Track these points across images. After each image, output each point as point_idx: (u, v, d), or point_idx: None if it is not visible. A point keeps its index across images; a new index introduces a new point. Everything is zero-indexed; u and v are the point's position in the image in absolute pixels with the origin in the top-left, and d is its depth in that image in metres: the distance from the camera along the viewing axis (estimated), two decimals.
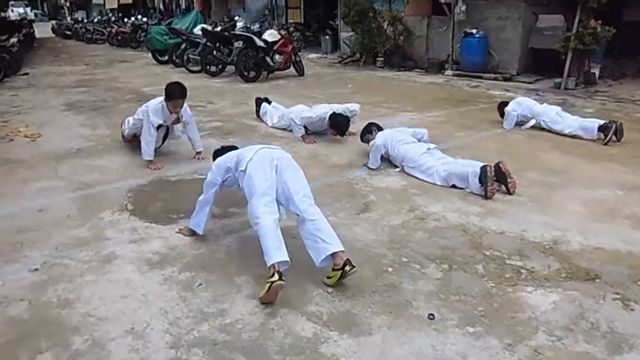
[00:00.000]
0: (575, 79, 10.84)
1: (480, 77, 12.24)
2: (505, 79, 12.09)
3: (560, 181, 4.82)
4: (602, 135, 6.14)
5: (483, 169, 4.35)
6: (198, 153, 5.47)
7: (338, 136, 6.04)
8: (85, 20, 25.63)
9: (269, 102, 7.19)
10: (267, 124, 6.92)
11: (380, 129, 5.46)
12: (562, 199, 4.41)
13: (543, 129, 6.55)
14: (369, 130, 5.45)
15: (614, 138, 6.09)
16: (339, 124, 5.89)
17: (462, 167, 4.59)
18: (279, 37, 11.22)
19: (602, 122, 6.24)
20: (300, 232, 3.17)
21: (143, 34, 17.64)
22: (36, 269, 3.24)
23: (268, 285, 2.77)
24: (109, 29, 20.73)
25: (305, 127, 6.20)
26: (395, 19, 13.74)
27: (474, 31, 12.47)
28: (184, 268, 3.25)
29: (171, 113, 5.11)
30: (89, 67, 14.11)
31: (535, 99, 8.15)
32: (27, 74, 12.57)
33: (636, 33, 11.94)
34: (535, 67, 12.59)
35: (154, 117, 5.03)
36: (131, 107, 8.14)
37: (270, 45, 10.98)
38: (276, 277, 2.77)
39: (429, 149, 4.93)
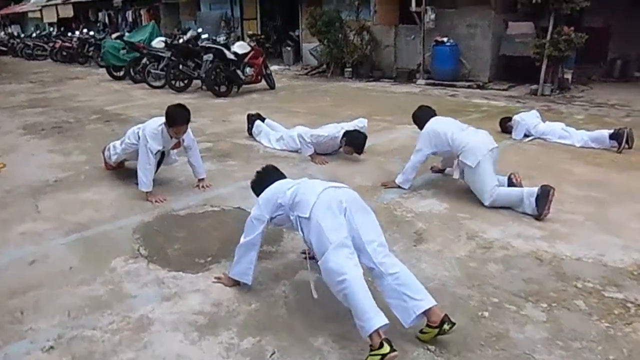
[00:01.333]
0: (551, 85, 10.87)
1: (454, 86, 12.10)
2: (479, 87, 12.00)
3: (605, 196, 4.51)
4: (615, 144, 5.96)
5: (544, 189, 3.97)
6: (200, 180, 4.82)
7: (355, 154, 5.55)
8: (22, 35, 23.89)
9: (262, 119, 6.60)
10: (262, 144, 6.32)
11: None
12: (618, 216, 4.08)
13: None
14: (421, 117, 4.71)
15: (626, 146, 5.93)
16: (356, 141, 5.42)
17: (512, 191, 4.20)
18: (249, 48, 10.63)
19: (610, 131, 6.08)
20: (379, 289, 2.61)
21: (91, 48, 16.51)
22: (51, 347, 2.53)
23: (378, 358, 2.21)
24: (51, 44, 19.29)
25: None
26: (362, 28, 13.46)
27: (445, 39, 12.35)
28: (243, 331, 2.63)
29: (171, 138, 4.45)
30: (36, 85, 12.92)
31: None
32: None
33: (596, 38, 12.17)
34: (506, 74, 12.60)
35: (153, 143, 4.36)
36: (100, 129, 7.37)
37: (240, 57, 10.37)
38: (387, 347, 2.22)
39: (491, 150, 4.32)
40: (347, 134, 5.47)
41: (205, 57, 10.07)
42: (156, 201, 4.41)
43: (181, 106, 4.40)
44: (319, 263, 2.58)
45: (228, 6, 18.55)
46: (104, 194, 4.64)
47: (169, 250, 3.54)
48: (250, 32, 15.38)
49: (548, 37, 10.41)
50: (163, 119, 4.45)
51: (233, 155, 5.87)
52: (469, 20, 12.46)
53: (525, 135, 6.52)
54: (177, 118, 4.30)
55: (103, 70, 14.38)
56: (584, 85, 11.86)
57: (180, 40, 11.66)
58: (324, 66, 14.24)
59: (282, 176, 3.19)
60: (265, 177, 3.18)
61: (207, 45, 10.21)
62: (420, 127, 4.70)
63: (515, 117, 6.61)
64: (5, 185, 4.95)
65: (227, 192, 4.66)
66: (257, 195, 3.18)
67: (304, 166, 5.41)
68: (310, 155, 5.58)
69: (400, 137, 6.68)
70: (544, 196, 3.95)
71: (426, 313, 2.50)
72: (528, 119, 6.59)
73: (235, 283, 3.05)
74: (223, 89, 10.29)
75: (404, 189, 4.65)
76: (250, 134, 6.61)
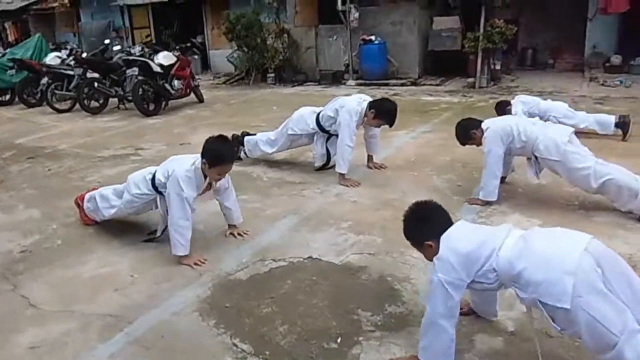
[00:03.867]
0: (485, 76, 10.98)
1: (387, 85, 11.81)
2: (412, 84, 11.85)
3: None
4: (618, 131, 5.89)
5: None
6: (233, 227, 3.79)
7: (383, 127, 4.80)
8: None
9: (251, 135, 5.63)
10: (265, 153, 5.35)
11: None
12: None
13: None
14: (474, 125, 4.10)
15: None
16: (388, 109, 4.60)
17: (627, 177, 3.71)
18: (175, 59, 9.36)
19: (613, 117, 6.01)
20: None
21: None
22: None
23: None
24: None
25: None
26: (282, 31, 12.69)
27: (373, 38, 12.02)
28: None
29: (205, 179, 3.40)
30: None
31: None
32: None
33: None
34: (434, 69, 12.61)
35: (189, 190, 3.29)
36: (30, 169, 5.90)
37: (167, 69, 9.08)
38: None
39: (571, 133, 3.82)
40: (374, 103, 4.65)
41: (129, 71, 8.63)
42: (195, 264, 3.32)
43: (224, 138, 3.40)
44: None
45: (115, 14, 16.67)
46: (111, 264, 3.42)
47: (277, 337, 2.55)
48: (147, 40, 13.77)
49: (481, 30, 10.47)
50: (192, 157, 3.38)
51: (238, 188, 4.80)
52: (393, 17, 12.26)
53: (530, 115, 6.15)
54: (225, 155, 3.29)
55: None
56: (507, 75, 12.20)
57: (84, 55, 10.01)
58: (243, 73, 13.22)
59: (449, 218, 2.33)
60: (434, 221, 2.25)
61: (130, 58, 8.78)
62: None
63: (515, 108, 6.25)
64: None
65: (276, 238, 3.69)
66: (418, 243, 2.32)
67: (336, 192, 4.56)
68: (340, 178, 4.72)
69: (404, 145, 6.08)
70: None
71: None
72: (528, 100, 6.24)
73: None
74: (152, 106, 8.92)
75: (490, 203, 4.03)
76: (238, 157, 5.58)
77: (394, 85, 11.74)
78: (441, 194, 4.37)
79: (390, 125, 4.71)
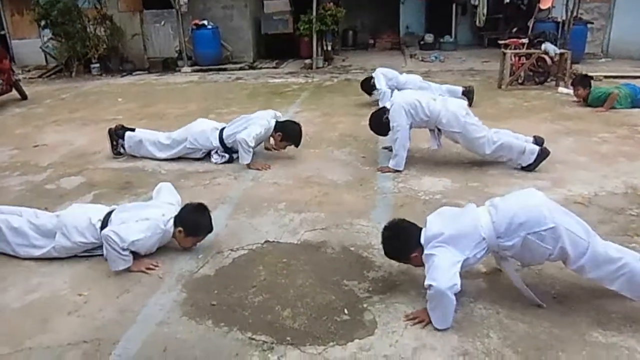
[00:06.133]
0: (320, 57, 11.54)
1: (225, 69, 11.74)
2: (250, 67, 11.93)
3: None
4: (465, 99, 6.79)
5: (546, 151, 4.29)
6: None
7: (288, 147, 4.87)
8: None
9: (132, 130, 5.16)
10: (154, 158, 4.97)
11: None
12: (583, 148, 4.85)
13: None
14: (384, 112, 4.46)
15: None
16: (294, 131, 4.73)
17: (513, 138, 4.35)
18: None
19: (460, 87, 6.93)
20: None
21: None
22: None
23: None
24: None
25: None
26: (104, 17, 11.64)
27: (206, 22, 11.74)
28: None
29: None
30: None
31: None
32: None
33: None
34: (267, 52, 12.83)
35: (152, 245, 3.11)
36: None
37: None
38: None
39: (467, 106, 4.45)
40: (280, 125, 4.75)
41: None
42: (149, 268, 3.04)
43: (203, 207, 3.16)
44: (580, 265, 2.39)
45: None
46: (41, 287, 2.90)
47: (288, 322, 2.50)
48: None
49: (314, 13, 10.93)
50: (167, 212, 3.13)
51: (142, 185, 4.42)
52: (224, 1, 12.15)
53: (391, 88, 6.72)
54: (205, 227, 3.14)
55: None
56: (336, 55, 12.98)
57: None
58: (62, 65, 11.83)
59: (417, 226, 2.65)
60: (410, 233, 2.61)
61: None
62: None
63: (379, 85, 6.77)
64: None
65: (221, 229, 3.47)
66: (405, 258, 2.66)
67: (250, 176, 4.48)
68: (248, 164, 4.63)
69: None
70: (543, 156, 4.27)
71: None
72: (389, 74, 6.86)
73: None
74: None
75: (399, 171, 4.37)
76: (118, 153, 5.10)
77: (233, 69, 11.69)
78: (353, 166, 4.63)
79: (297, 146, 4.81)
